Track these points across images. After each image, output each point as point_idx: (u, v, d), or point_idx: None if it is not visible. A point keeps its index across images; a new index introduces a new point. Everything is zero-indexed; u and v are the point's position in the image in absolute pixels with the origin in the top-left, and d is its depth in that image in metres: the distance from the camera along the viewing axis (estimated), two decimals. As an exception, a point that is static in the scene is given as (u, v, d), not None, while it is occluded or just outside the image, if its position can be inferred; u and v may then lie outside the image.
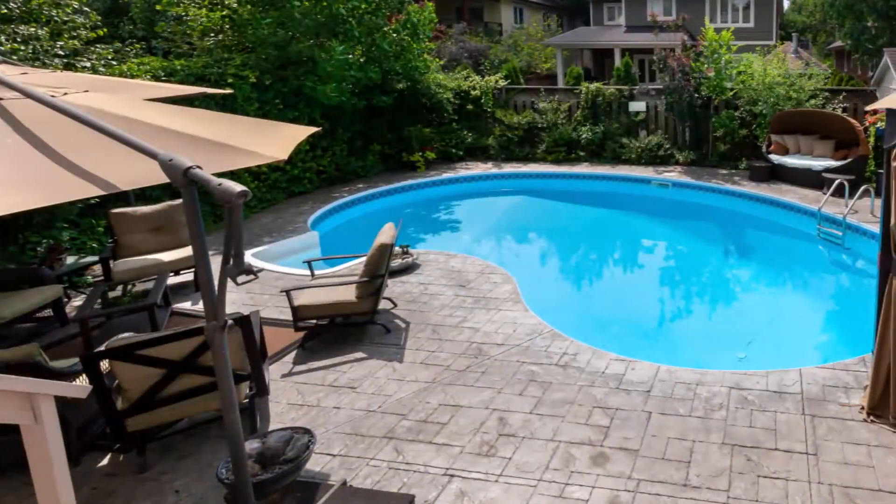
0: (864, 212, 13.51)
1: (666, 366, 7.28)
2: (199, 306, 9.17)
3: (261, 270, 10.49)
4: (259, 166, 14.07)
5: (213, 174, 3.52)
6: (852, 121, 16.33)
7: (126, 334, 6.43)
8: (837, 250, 12.79)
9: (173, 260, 9.38)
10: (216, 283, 3.76)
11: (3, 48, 9.93)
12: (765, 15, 42.82)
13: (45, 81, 5.93)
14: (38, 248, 9.55)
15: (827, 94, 18.34)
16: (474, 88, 20.77)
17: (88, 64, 11.55)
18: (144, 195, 11.89)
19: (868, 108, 7.64)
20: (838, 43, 45.59)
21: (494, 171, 18.81)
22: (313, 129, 5.45)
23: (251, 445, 4.90)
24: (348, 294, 8.08)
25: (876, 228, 10.11)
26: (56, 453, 3.82)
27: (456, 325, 8.53)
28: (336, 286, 8.28)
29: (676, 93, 18.48)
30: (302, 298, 8.00)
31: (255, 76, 14.63)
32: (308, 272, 9.19)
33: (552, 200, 18.18)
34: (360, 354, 7.76)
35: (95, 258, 9.72)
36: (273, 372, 7.32)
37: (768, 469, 5.49)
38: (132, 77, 12.16)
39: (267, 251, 11.67)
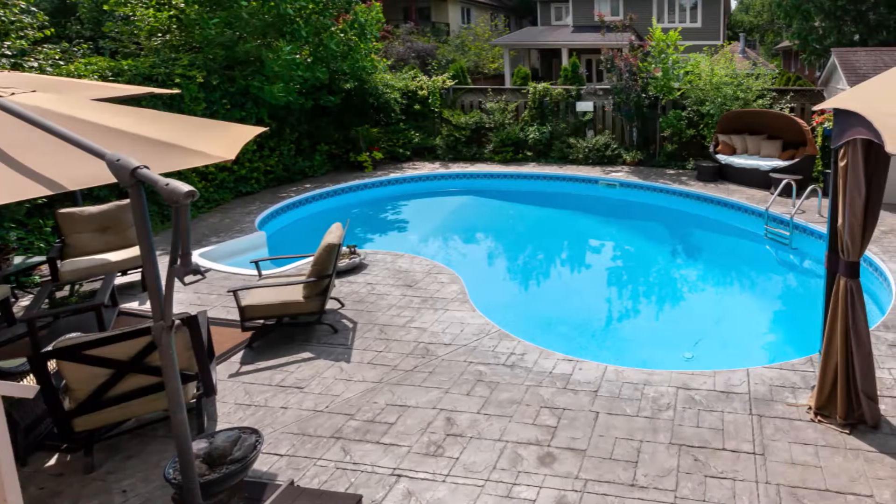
0: (812, 212, 13.83)
1: (613, 366, 7.37)
2: (147, 306, 9.09)
3: (208, 270, 10.43)
4: (206, 166, 13.96)
5: (161, 174, 3.53)
6: (800, 121, 16.68)
7: (73, 334, 6.39)
8: (785, 250, 13.04)
9: (121, 260, 9.33)
10: (163, 283, 3.76)
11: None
12: (712, 15, 43.51)
13: (-9, 81, 5.87)
14: (-15, 249, 9.41)
15: (774, 94, 18.77)
16: (422, 88, 20.86)
17: (36, 64, 11.47)
18: (92, 195, 11.78)
19: (815, 108, 7.82)
20: (786, 43, 46.29)
21: (442, 171, 18.92)
22: (261, 129, 5.44)
23: (198, 445, 4.88)
24: (295, 294, 8.09)
25: (823, 228, 10.36)
26: (3, 453, 3.79)
27: (403, 325, 8.58)
28: (283, 286, 8.26)
29: (624, 93, 18.76)
30: (249, 298, 7.99)
31: (202, 76, 14.53)
32: (255, 272, 9.18)
33: (499, 200, 18.32)
34: (307, 354, 7.76)
35: (43, 258, 9.61)
36: (220, 372, 7.30)
37: (715, 469, 5.55)
38: (79, 77, 12.03)
39: (214, 251, 11.60)
